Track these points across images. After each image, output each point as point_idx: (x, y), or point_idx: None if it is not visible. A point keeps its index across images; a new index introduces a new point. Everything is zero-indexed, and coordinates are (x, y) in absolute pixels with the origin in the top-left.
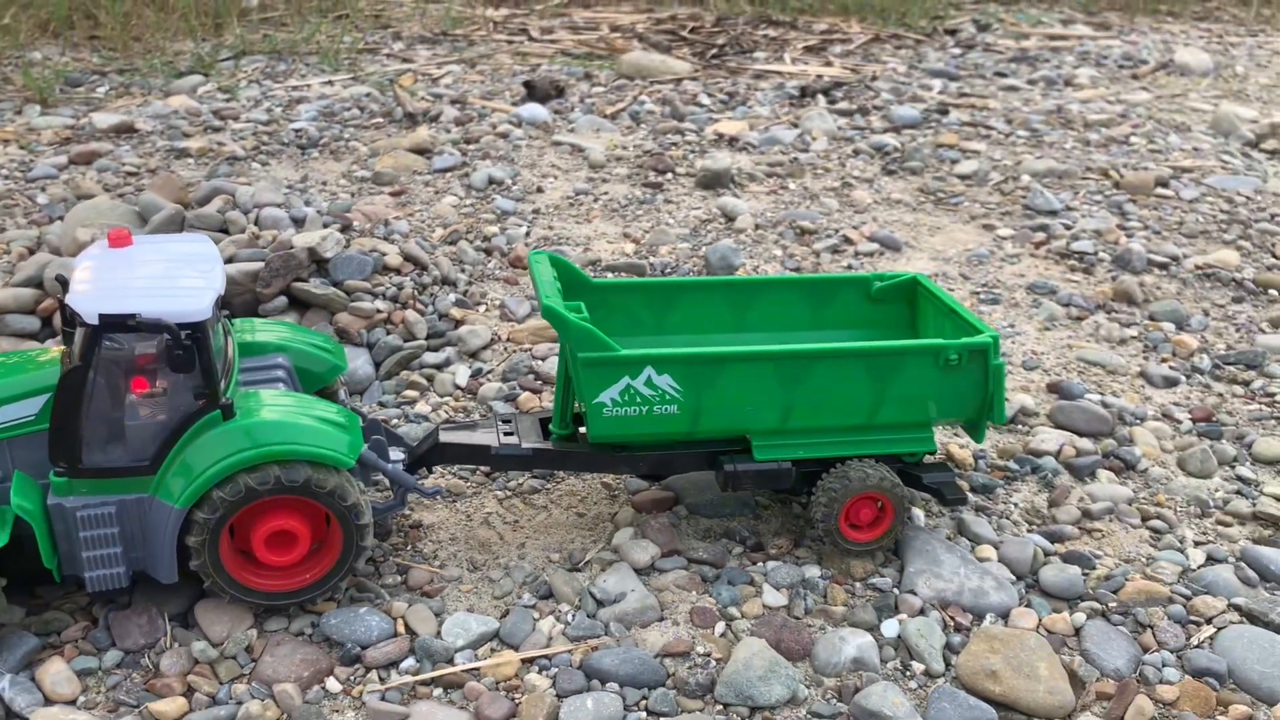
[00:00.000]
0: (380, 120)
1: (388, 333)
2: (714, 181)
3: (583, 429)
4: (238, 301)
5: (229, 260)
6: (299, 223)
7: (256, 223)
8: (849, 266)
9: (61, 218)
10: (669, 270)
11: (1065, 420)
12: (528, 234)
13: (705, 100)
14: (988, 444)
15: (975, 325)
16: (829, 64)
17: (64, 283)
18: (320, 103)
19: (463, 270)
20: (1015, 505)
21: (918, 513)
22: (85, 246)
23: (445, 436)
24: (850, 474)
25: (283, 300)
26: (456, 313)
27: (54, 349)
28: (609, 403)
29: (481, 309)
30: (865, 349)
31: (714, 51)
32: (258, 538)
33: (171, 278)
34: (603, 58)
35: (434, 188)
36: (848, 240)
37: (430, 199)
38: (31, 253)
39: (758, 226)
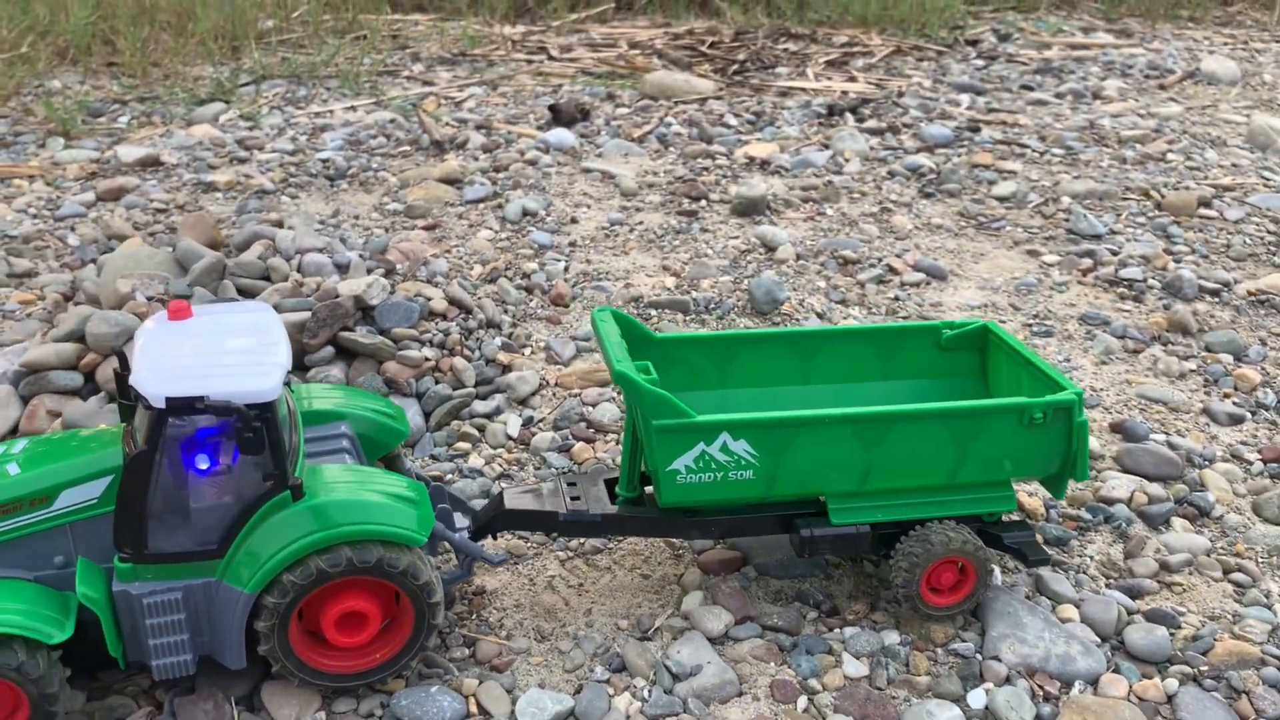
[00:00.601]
0: (407, 148)
1: (436, 381)
2: (750, 209)
3: (649, 488)
4: None
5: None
6: (342, 268)
7: (299, 269)
8: (895, 299)
9: (94, 260)
10: (713, 305)
11: (1133, 464)
12: (566, 269)
13: (732, 121)
14: None
15: (1054, 379)
16: (853, 79)
17: (122, 359)
18: (345, 130)
19: (506, 311)
20: (1091, 558)
21: (995, 570)
22: (125, 298)
23: (511, 503)
24: (931, 537)
25: (329, 350)
26: (503, 357)
27: (110, 428)
28: (682, 470)
29: (527, 351)
30: (947, 410)
31: (735, 68)
32: (328, 619)
33: (236, 354)
34: (624, 76)
35: (468, 220)
36: (892, 270)
37: (465, 233)
38: (67, 299)
39: (799, 256)
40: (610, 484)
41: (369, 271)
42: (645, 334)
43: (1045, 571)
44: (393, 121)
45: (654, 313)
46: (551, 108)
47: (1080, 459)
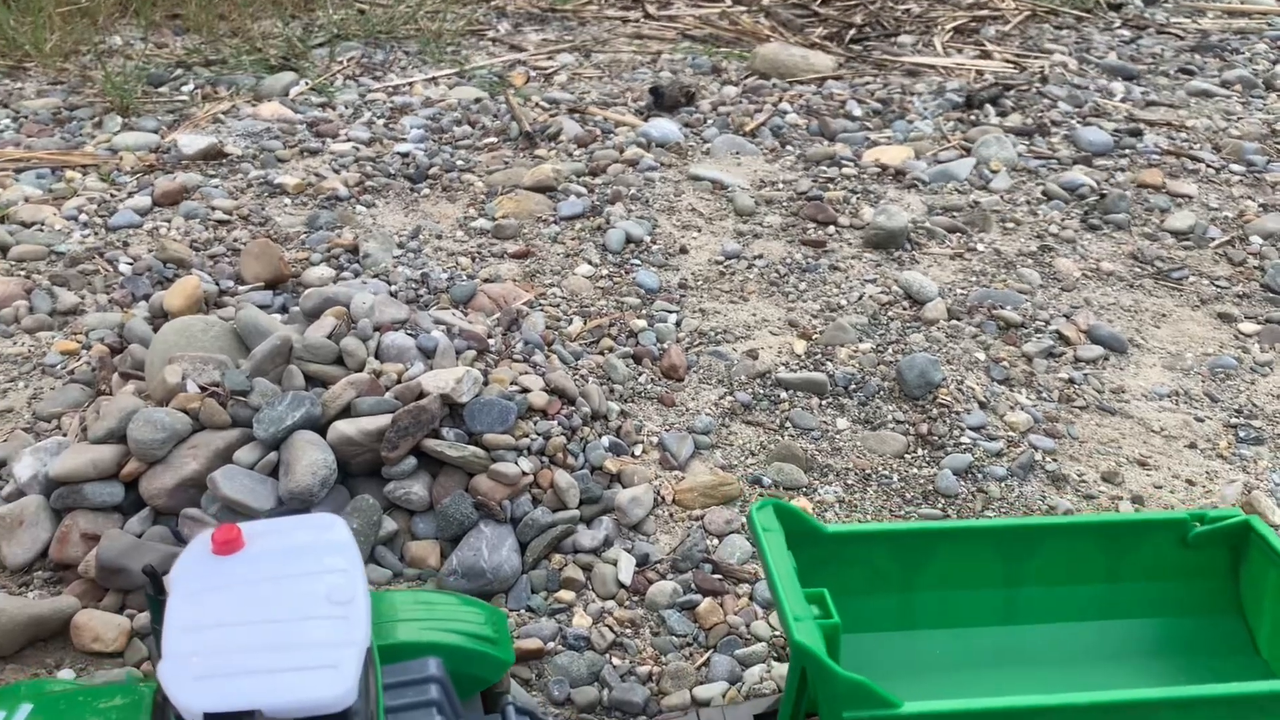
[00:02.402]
0: (494, 140)
1: (535, 501)
2: (887, 242)
3: None
4: (358, 463)
5: (344, 411)
6: (428, 354)
7: (377, 353)
8: (1070, 381)
9: (147, 296)
10: (854, 385)
11: None
12: (678, 324)
13: (856, 111)
14: None
15: None
16: (986, 53)
17: (154, 579)
18: (425, 112)
19: (613, 392)
20: None
21: None
22: (174, 390)
23: None
24: None
25: (411, 462)
26: (611, 464)
27: (135, 685)
28: None
29: (638, 449)
30: (1235, 696)
31: (854, 34)
32: None
33: (301, 624)
34: (730, 44)
35: (563, 246)
36: (1062, 338)
37: (561, 265)
38: (114, 353)
39: (950, 315)
40: None
41: (458, 354)
42: (813, 527)
43: None
44: (478, 102)
45: (784, 394)
46: (653, 90)
47: None
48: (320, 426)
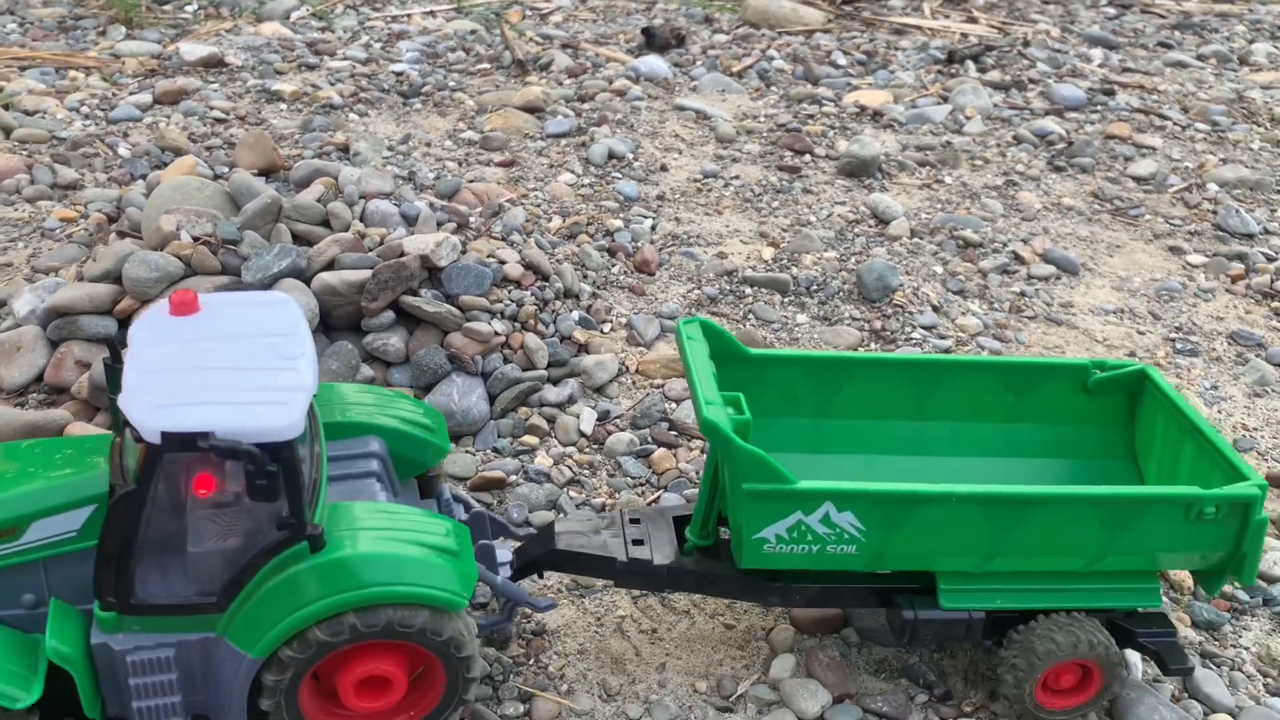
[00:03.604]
0: (487, 66)
1: (505, 360)
2: (860, 170)
3: (727, 531)
4: (339, 314)
5: (329, 265)
6: (410, 221)
7: (362, 217)
8: (1021, 294)
9: (144, 176)
10: (815, 286)
11: None
12: (653, 228)
13: (841, 60)
14: None
15: (1225, 454)
16: (973, 19)
17: (112, 348)
18: (422, 40)
19: (586, 277)
20: (1247, 649)
21: (1134, 659)
22: (169, 238)
23: (563, 542)
24: (1055, 635)
25: (389, 315)
26: (580, 335)
27: (95, 436)
28: (771, 539)
29: (606, 327)
30: (1103, 496)
31: None
32: (346, 683)
33: (252, 372)
34: None
35: (548, 159)
36: (1018, 258)
37: (545, 174)
38: (111, 221)
39: (914, 233)
40: (681, 524)
41: (439, 225)
42: (738, 350)
43: (1196, 667)
44: (474, 33)
45: (749, 290)
46: (645, 30)
47: (1250, 561)
48: (305, 278)
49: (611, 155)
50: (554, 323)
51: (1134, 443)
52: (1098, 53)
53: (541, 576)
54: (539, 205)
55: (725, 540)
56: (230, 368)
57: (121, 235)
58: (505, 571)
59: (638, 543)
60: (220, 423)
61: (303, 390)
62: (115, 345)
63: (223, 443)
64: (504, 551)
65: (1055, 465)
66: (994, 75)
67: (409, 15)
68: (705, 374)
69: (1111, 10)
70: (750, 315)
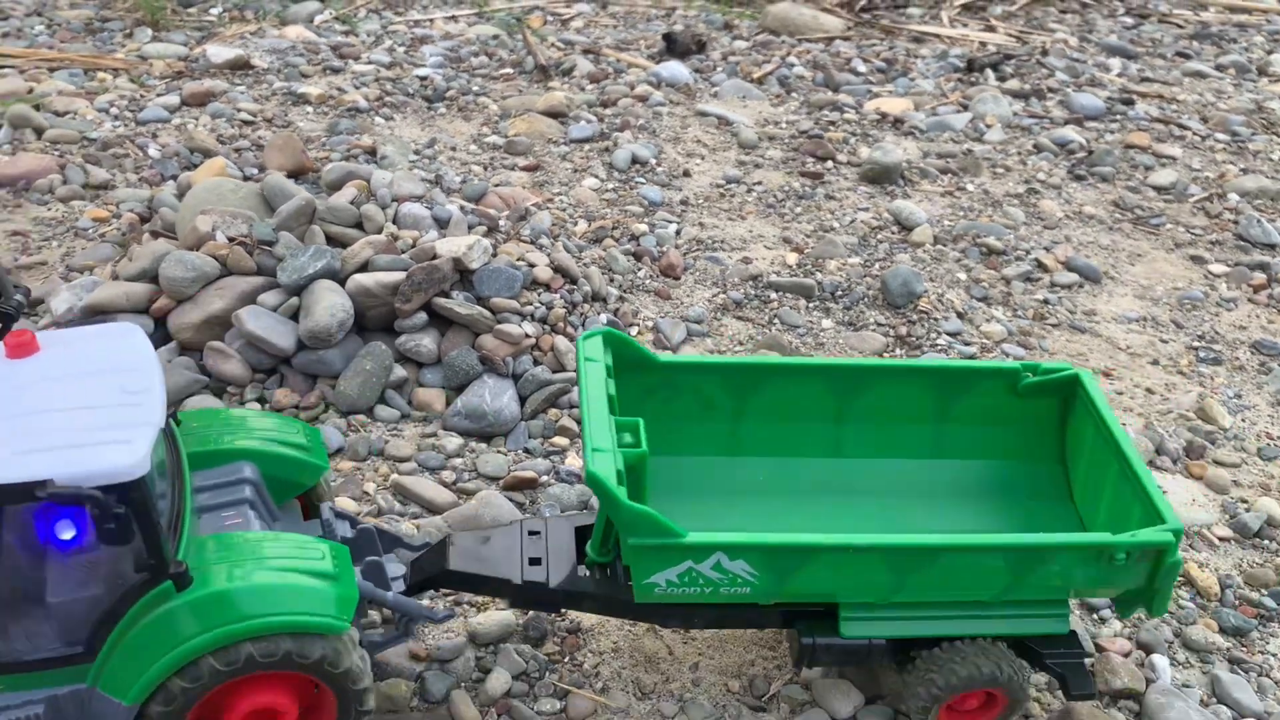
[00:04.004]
0: (509, 71)
1: (535, 362)
2: (882, 176)
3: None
4: (374, 314)
5: (363, 267)
6: (442, 224)
7: (395, 220)
8: (1044, 301)
9: (175, 177)
10: (840, 292)
11: None
12: (678, 233)
13: (861, 67)
14: (1233, 569)
15: (1146, 490)
16: (991, 28)
17: None
18: (445, 44)
19: (612, 281)
20: (1275, 656)
21: (1162, 664)
22: (204, 238)
23: (456, 561)
24: (957, 666)
25: (422, 317)
26: None
27: None
28: (663, 583)
29: (634, 330)
30: (1008, 545)
31: (864, 3)
32: (233, 717)
33: (94, 411)
34: (743, 4)
35: (572, 163)
36: (1041, 266)
37: (569, 179)
38: (143, 221)
39: (937, 240)
40: (583, 535)
41: (470, 229)
42: (645, 357)
43: (1222, 670)
44: (496, 38)
45: (774, 295)
46: (666, 36)
47: (1160, 596)
48: (339, 279)
49: (635, 160)
50: (582, 325)
51: (1063, 448)
52: (1116, 62)
53: (437, 592)
54: (564, 209)
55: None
56: (69, 408)
57: (155, 235)
58: (399, 585)
59: (534, 561)
60: (60, 469)
61: (148, 425)
62: None
63: (62, 490)
64: (397, 566)
65: (982, 466)
66: (1013, 84)
67: (431, 20)
68: (599, 411)
69: (1129, 20)
70: (776, 320)
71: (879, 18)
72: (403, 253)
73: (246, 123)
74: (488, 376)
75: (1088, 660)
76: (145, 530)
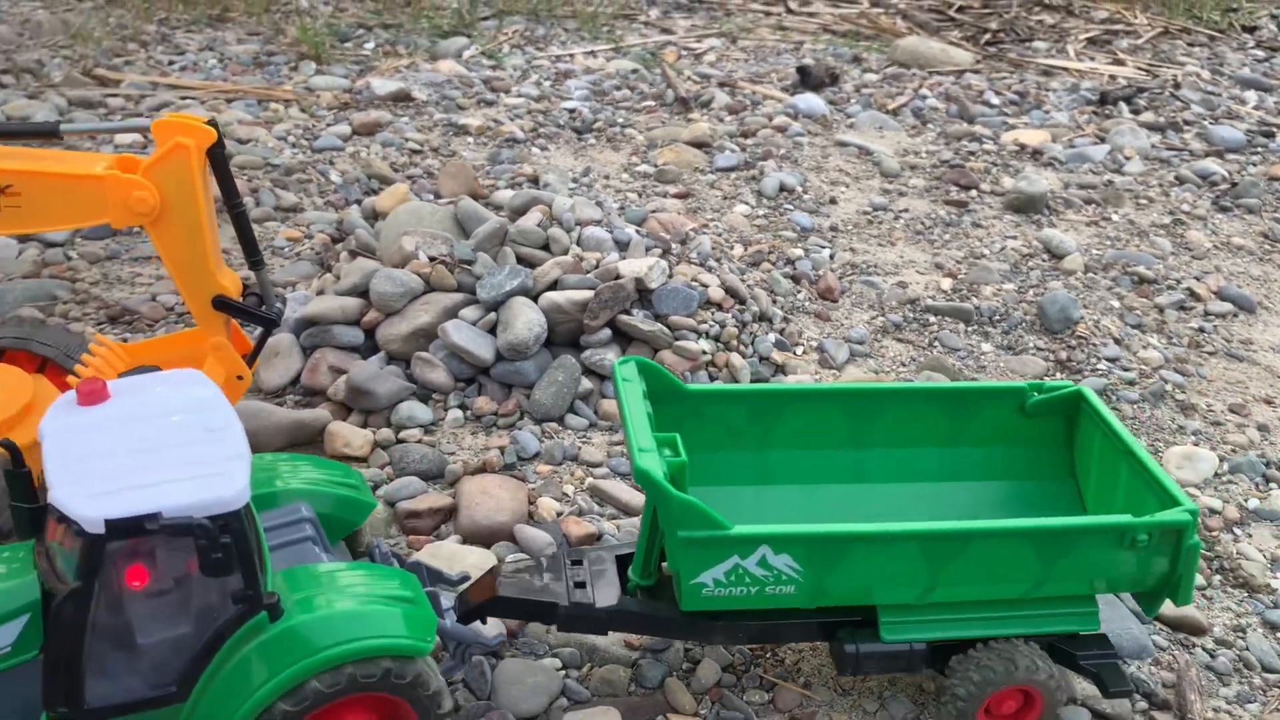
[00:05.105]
0: (651, 103)
1: (711, 377)
2: (1027, 206)
3: (668, 568)
4: (561, 330)
5: (552, 285)
6: (622, 246)
7: (578, 242)
8: (1200, 330)
9: (359, 201)
10: (998, 316)
11: None
12: (832, 257)
13: (994, 100)
14: None
15: (1158, 479)
16: (1119, 61)
17: (13, 452)
18: (587, 78)
19: (776, 302)
20: None
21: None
22: (408, 257)
23: (504, 588)
24: (995, 664)
25: (607, 333)
26: (777, 356)
27: (12, 545)
28: (710, 583)
29: (799, 350)
30: (1035, 528)
31: (989, 38)
32: None
33: (182, 447)
34: (869, 38)
35: (721, 191)
36: (1194, 295)
37: (720, 206)
38: (335, 241)
39: (1088, 268)
40: (624, 562)
41: (647, 251)
42: (675, 386)
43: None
44: (635, 72)
45: (933, 319)
46: (800, 69)
47: (1185, 583)
48: (531, 296)
49: (782, 188)
50: (753, 344)
51: (1073, 463)
52: (1251, 95)
53: (485, 622)
54: (719, 234)
55: (668, 577)
56: (159, 447)
57: (353, 255)
58: (451, 617)
59: (580, 585)
60: (166, 501)
61: (241, 457)
62: (15, 449)
63: (173, 521)
64: (448, 597)
65: (996, 487)
66: (1147, 116)
67: (571, 55)
68: (640, 418)
69: (1260, 53)
70: (936, 343)
71: (1005, 51)
72: (588, 273)
73: (414, 151)
74: None
75: (1122, 660)
76: (244, 561)
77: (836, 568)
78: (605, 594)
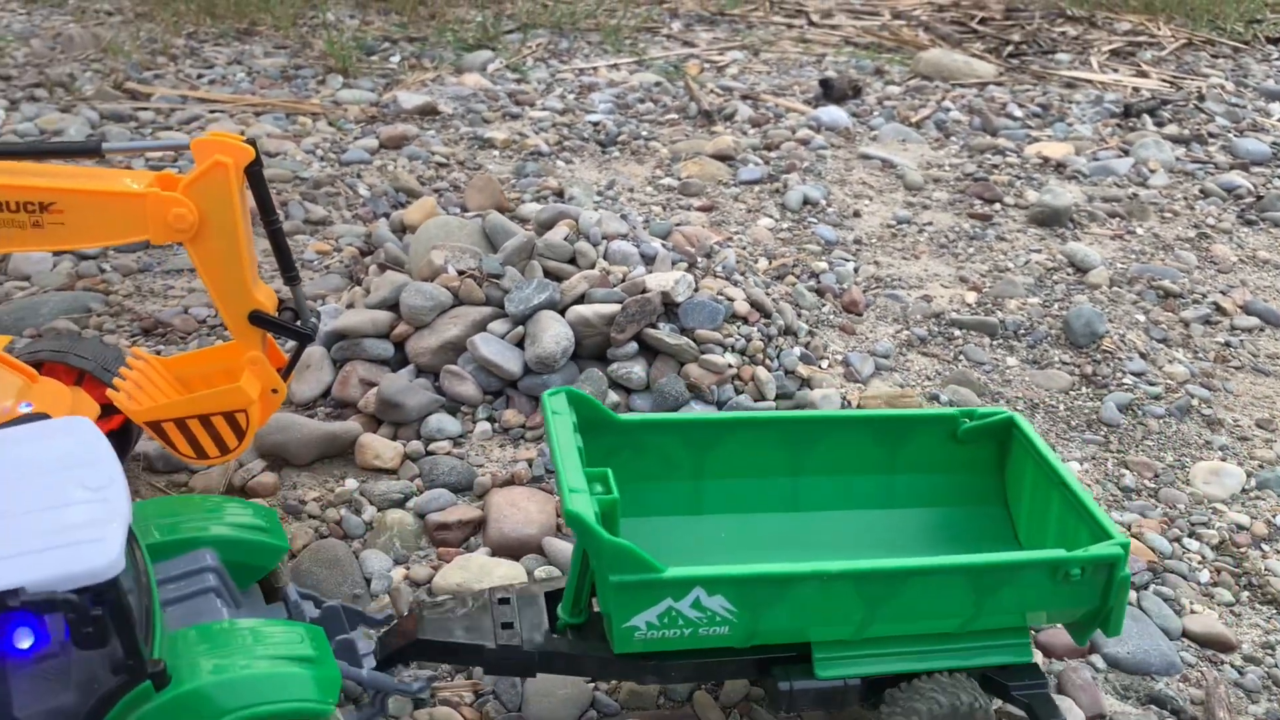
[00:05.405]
0: (674, 116)
1: (738, 391)
2: (1051, 219)
3: (597, 604)
4: (588, 343)
5: (579, 299)
6: (648, 260)
7: (605, 256)
8: (1226, 344)
9: (386, 214)
10: (1023, 330)
11: None
12: (856, 271)
13: (1017, 112)
14: None
15: (1090, 511)
16: (1143, 73)
17: None
18: (611, 91)
19: (800, 316)
20: None
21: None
22: (437, 270)
23: (427, 630)
24: (926, 700)
25: (633, 346)
26: (803, 370)
27: None
28: (643, 626)
29: (824, 364)
30: (972, 565)
31: (1011, 49)
32: None
33: (55, 511)
34: (891, 50)
35: (745, 204)
36: (1219, 309)
37: (744, 219)
38: (364, 254)
39: (1113, 282)
40: (553, 600)
41: (673, 264)
42: (607, 417)
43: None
44: (658, 85)
45: (957, 333)
46: (823, 82)
47: (1116, 614)
48: (558, 310)
49: (806, 201)
50: (778, 357)
51: (1005, 489)
52: (1276, 107)
53: (408, 666)
54: (744, 248)
55: (599, 614)
56: (28, 511)
57: (382, 268)
58: (370, 663)
59: (507, 625)
60: (29, 575)
61: (117, 520)
62: None
63: (36, 596)
64: (366, 642)
65: (930, 514)
66: (1171, 129)
67: (595, 68)
68: (570, 454)
69: None
70: (961, 356)
71: (1028, 63)
72: (614, 286)
73: (441, 164)
74: (695, 403)
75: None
76: (122, 630)
77: (772, 608)
78: (533, 634)
